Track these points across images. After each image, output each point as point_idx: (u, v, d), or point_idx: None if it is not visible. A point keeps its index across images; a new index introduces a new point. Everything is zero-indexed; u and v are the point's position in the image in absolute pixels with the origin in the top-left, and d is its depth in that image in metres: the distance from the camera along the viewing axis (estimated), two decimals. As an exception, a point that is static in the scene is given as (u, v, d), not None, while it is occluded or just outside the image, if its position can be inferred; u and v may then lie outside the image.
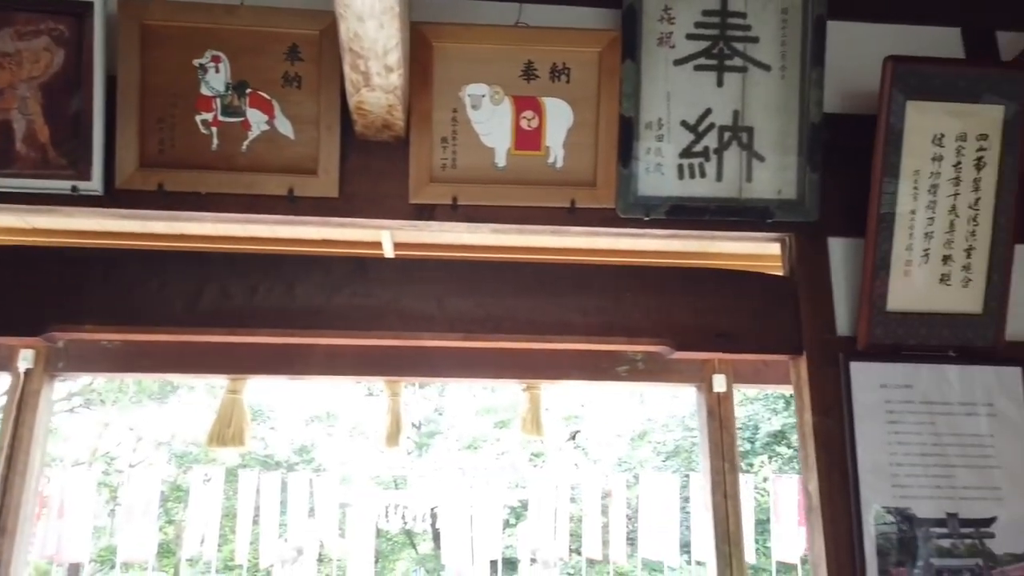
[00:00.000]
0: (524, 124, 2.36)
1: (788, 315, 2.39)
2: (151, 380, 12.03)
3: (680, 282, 2.40)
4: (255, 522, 9.63)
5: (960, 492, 2.25)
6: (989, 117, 2.28)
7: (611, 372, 3.09)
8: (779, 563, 10.76)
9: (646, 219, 2.36)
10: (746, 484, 10.19)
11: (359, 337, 2.36)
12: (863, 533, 2.18)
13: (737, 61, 2.37)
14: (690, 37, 2.36)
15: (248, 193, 2.28)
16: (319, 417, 14.54)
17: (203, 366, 2.95)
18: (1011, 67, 2.46)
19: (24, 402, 2.77)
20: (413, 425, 14.32)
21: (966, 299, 2.35)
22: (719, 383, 3.08)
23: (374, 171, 2.35)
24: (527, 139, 2.36)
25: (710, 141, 2.36)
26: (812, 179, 2.36)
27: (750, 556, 10.13)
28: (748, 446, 14.24)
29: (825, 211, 2.39)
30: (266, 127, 2.29)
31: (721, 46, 2.36)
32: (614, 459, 14.68)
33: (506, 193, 2.35)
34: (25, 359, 2.78)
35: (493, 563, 11.25)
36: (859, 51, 2.52)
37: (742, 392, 12.21)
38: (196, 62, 2.27)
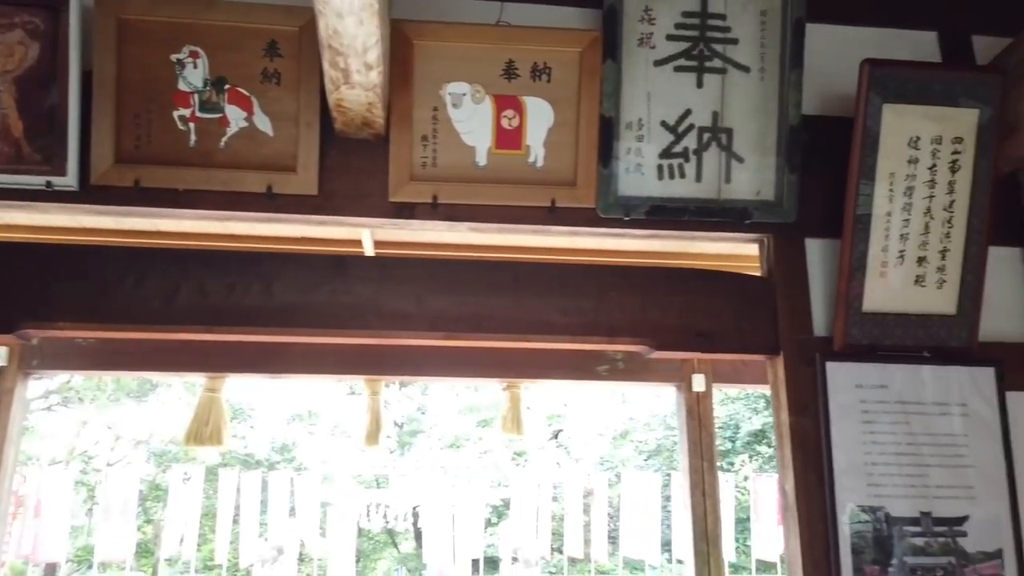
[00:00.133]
0: (505, 123, 2.36)
1: (766, 315, 2.40)
2: (129, 378, 11.93)
3: (660, 282, 2.40)
4: (235, 521, 9.57)
5: (934, 491, 2.27)
6: (964, 120, 2.30)
7: (592, 372, 3.10)
8: (759, 561, 10.87)
9: (626, 219, 2.37)
10: (727, 483, 10.29)
11: (338, 336, 2.34)
12: (838, 532, 2.20)
13: (717, 62, 2.38)
14: (670, 38, 2.36)
15: (226, 190, 2.26)
16: (300, 416, 14.48)
17: (180, 364, 2.91)
18: (986, 71, 2.50)
19: (-3, 400, 2.73)
20: (395, 424, 14.29)
21: (940, 300, 2.37)
22: (698, 383, 3.10)
23: (354, 169, 2.34)
24: (508, 138, 2.36)
25: (690, 142, 2.37)
26: (790, 180, 2.38)
27: (730, 554, 10.24)
28: (729, 445, 14.34)
29: (803, 212, 2.41)
30: (245, 123, 2.27)
31: (701, 47, 2.37)
32: (596, 458, 14.76)
33: (486, 192, 2.34)
34: (-2, 357, 2.74)
35: (475, 562, 11.27)
36: (837, 54, 2.55)
37: (723, 391, 12.28)
38: (174, 57, 2.24)
